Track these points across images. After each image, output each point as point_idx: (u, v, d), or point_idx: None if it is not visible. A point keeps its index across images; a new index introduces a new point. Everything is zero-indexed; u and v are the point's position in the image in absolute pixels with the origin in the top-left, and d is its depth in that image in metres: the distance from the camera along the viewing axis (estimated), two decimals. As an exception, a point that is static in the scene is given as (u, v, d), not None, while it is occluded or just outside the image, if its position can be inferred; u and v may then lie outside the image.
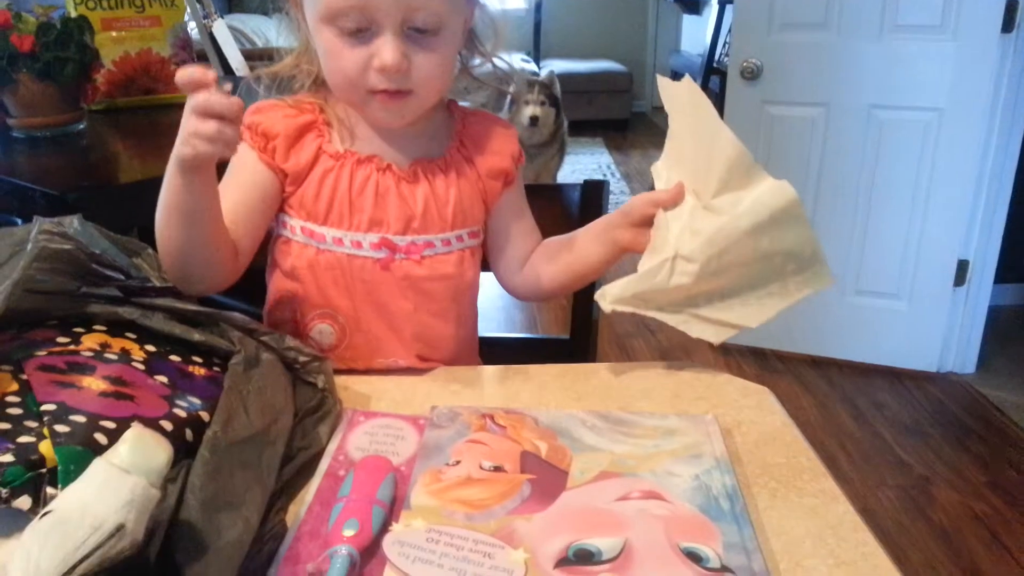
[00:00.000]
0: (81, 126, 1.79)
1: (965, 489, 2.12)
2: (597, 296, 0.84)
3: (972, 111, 2.32)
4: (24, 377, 0.56)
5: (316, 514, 0.59)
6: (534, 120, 3.63)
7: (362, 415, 0.71)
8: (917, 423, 2.42)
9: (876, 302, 2.62)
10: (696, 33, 5.73)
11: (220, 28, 3.39)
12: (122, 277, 0.73)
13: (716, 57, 4.14)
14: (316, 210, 0.85)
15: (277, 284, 0.90)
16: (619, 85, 6.13)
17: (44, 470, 0.48)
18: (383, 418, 0.71)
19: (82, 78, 1.77)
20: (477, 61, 0.93)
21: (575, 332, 1.19)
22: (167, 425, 0.57)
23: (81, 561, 0.40)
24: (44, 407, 0.53)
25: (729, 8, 4.04)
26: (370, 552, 0.54)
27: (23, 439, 0.49)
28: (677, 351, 2.77)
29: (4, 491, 0.45)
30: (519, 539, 0.55)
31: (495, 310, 3.08)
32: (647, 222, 0.85)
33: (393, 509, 0.59)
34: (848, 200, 2.50)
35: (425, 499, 0.59)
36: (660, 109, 6.55)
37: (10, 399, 0.54)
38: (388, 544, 0.54)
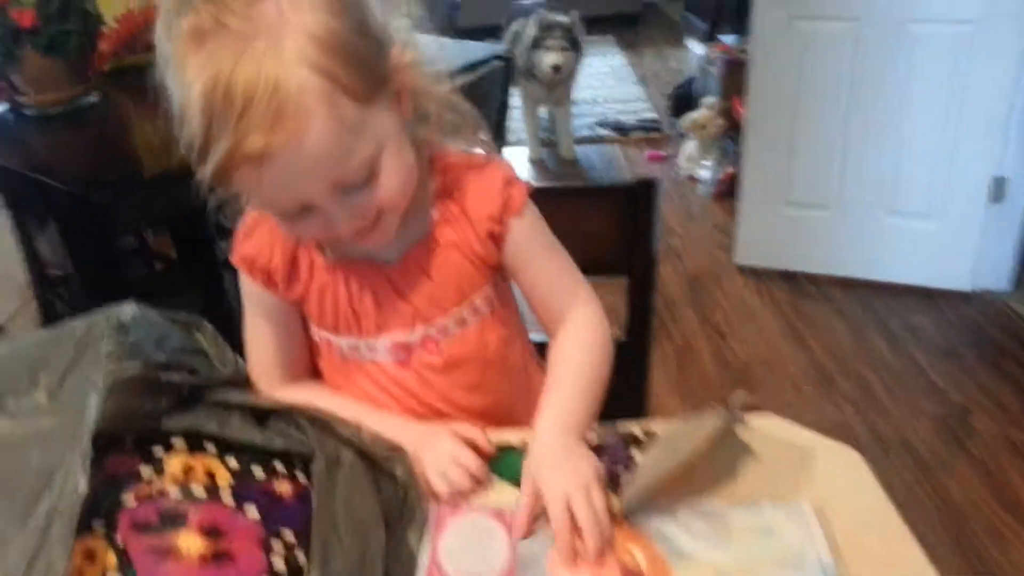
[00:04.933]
0: (92, 99, 1.72)
1: (1003, 418, 2.13)
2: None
3: (1006, 22, 2.23)
4: (120, 544, 0.55)
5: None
6: (556, 68, 3.40)
7: (448, 514, 0.70)
8: (952, 346, 2.41)
9: (909, 222, 2.58)
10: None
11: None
12: (188, 375, 0.71)
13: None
14: (324, 322, 0.84)
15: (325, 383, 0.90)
16: (629, -24, 5.83)
17: None
18: (469, 515, 0.70)
19: (87, 49, 1.69)
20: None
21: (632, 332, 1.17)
22: (271, 584, 0.56)
23: None
24: (151, 593, 0.52)
25: None
26: None
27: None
28: (706, 278, 2.75)
29: None
30: None
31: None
32: None
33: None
34: (880, 118, 2.44)
35: (532, 632, 0.58)
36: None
37: (112, 581, 0.52)
38: None
